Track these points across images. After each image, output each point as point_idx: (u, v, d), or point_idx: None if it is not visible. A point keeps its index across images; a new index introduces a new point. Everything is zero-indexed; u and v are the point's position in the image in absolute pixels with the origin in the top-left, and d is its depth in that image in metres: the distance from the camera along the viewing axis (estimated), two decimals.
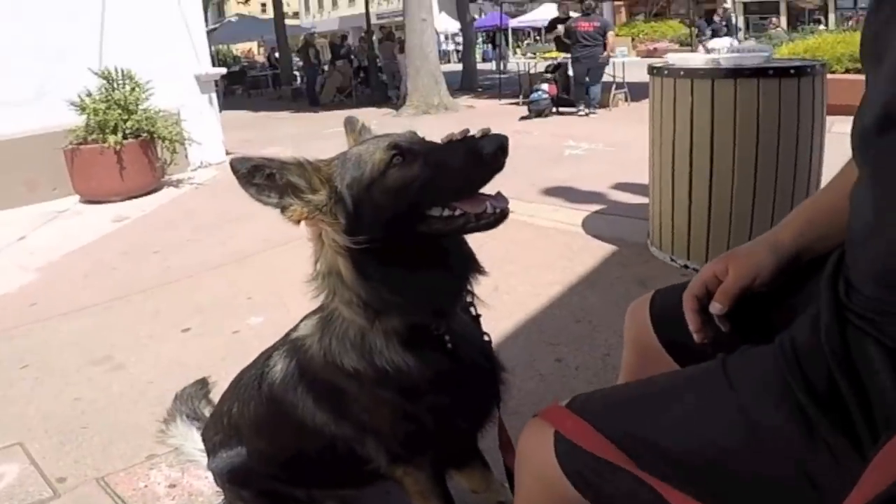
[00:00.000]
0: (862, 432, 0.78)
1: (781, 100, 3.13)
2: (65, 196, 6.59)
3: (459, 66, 19.40)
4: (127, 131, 6.37)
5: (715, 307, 1.10)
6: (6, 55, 6.40)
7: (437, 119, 11.54)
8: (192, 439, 2.02)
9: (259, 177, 1.21)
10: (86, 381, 2.89)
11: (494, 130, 1.24)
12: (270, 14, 23.53)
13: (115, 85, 6.54)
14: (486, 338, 1.45)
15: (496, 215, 1.20)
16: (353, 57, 19.37)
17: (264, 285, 3.93)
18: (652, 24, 30.48)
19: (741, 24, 25.41)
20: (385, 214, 1.19)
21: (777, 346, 0.90)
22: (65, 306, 3.79)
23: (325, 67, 18.61)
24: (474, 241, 1.34)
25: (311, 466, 1.63)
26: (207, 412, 2.12)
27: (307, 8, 51.93)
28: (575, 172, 6.18)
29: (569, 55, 10.77)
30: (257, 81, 22.66)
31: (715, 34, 14.12)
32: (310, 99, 16.91)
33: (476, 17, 22.79)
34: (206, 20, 8.59)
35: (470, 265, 1.34)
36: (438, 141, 1.28)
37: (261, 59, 28.91)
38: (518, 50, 24.09)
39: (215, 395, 2.13)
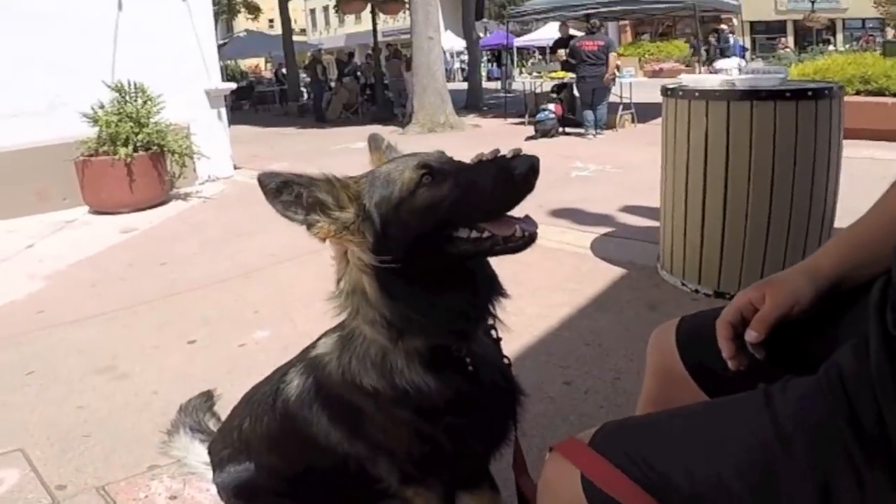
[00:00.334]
0: None
1: (798, 123, 3.10)
2: (74, 206, 6.63)
3: (464, 85, 19.46)
4: (137, 144, 6.44)
5: (751, 335, 1.07)
6: (21, 67, 6.49)
7: (442, 138, 11.56)
8: (195, 451, 2.01)
9: (287, 193, 1.21)
10: (90, 389, 2.89)
11: (503, 151, 1.24)
12: (278, 30, 23.69)
13: (128, 98, 6.62)
14: (506, 361, 1.44)
15: (525, 239, 1.19)
16: (359, 74, 19.50)
17: (271, 299, 3.93)
18: (658, 44, 30.50)
19: (748, 44, 25.46)
20: (413, 234, 1.18)
21: (822, 376, 0.88)
22: (71, 315, 3.79)
23: (332, 84, 18.75)
24: None
25: (320, 484, 1.62)
26: (212, 425, 2.11)
27: (314, 24, 52.38)
28: (583, 194, 6.18)
29: (574, 75, 10.80)
30: (264, 97, 22.78)
31: (722, 54, 14.16)
32: (316, 115, 17.02)
33: (481, 35, 22.93)
34: (216, 35, 8.64)
35: (494, 287, 1.33)
36: (467, 160, 1.28)
37: (268, 74, 29.06)
38: (523, 69, 24.20)
39: (220, 408, 2.14)
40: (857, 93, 7.74)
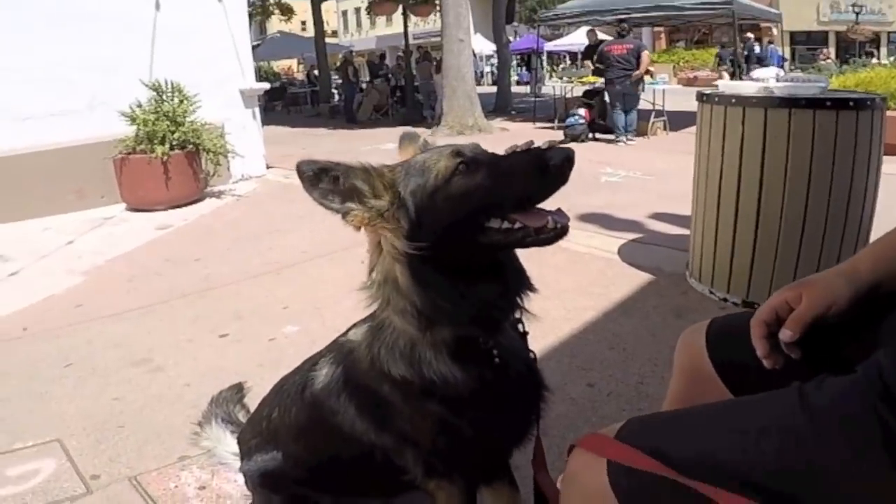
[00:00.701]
0: None
1: (838, 133, 3.01)
2: (112, 203, 6.77)
3: (494, 89, 19.40)
4: (174, 142, 6.56)
5: (785, 334, 1.07)
6: (61, 67, 6.62)
7: (470, 140, 11.39)
8: (224, 442, 2.05)
9: (325, 180, 1.22)
10: (125, 381, 2.97)
11: (537, 143, 1.25)
12: (311, 32, 23.90)
13: (165, 97, 6.73)
14: (531, 355, 1.45)
15: (556, 230, 1.20)
16: (390, 76, 19.58)
17: (301, 295, 4.00)
18: (693, 51, 30.02)
19: (787, 54, 25.03)
20: (446, 222, 1.20)
21: (861, 373, 0.89)
22: (109, 309, 3.89)
23: (363, 86, 18.83)
24: None
25: (346, 474, 1.63)
26: (242, 417, 2.15)
27: (346, 26, 52.60)
28: (611, 199, 6.17)
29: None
30: (296, 98, 22.92)
31: (759, 63, 13.94)
32: (347, 116, 17.14)
33: (511, 39, 22.86)
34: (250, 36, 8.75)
35: (522, 281, 1.34)
36: (501, 152, 1.29)
37: (300, 76, 29.28)
38: (553, 74, 24.07)
39: (250, 400, 2.18)
40: None
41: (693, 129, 3.77)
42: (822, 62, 19.00)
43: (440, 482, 1.50)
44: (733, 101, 3.29)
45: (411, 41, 19.29)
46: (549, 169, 1.15)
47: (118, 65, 6.92)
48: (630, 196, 6.40)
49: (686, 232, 4.01)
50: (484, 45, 28.46)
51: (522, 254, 1.37)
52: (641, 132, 10.72)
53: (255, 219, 6.27)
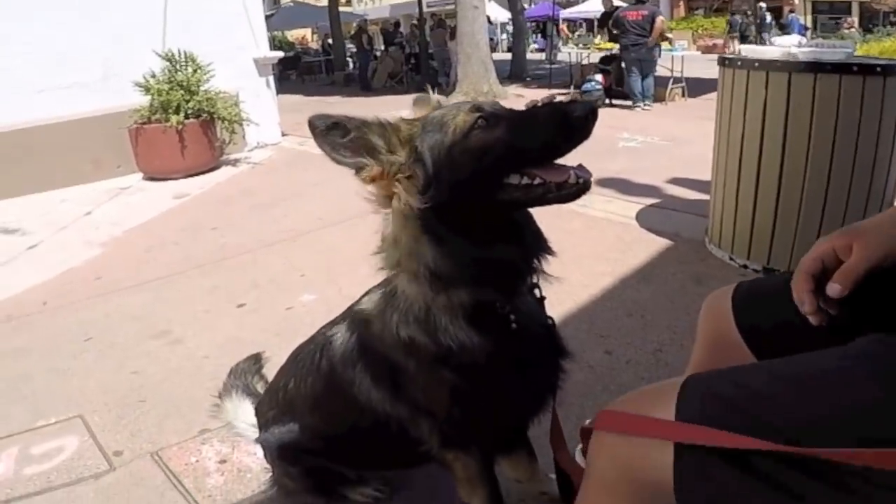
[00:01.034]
0: None
1: (864, 99, 2.94)
2: (128, 173, 6.82)
3: (509, 56, 19.19)
4: (188, 111, 6.57)
5: (834, 289, 0.97)
6: (76, 38, 6.63)
7: None
8: (243, 414, 2.05)
9: (337, 134, 1.19)
10: (145, 354, 2.97)
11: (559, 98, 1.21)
12: (324, 1, 23.67)
13: (178, 67, 6.73)
14: (549, 321, 1.42)
15: (579, 186, 1.16)
16: (404, 43, 19.43)
17: (317, 263, 4.00)
18: (712, 19, 29.47)
19: (808, 23, 24.47)
20: (464, 178, 1.16)
21: None
22: (127, 280, 3.91)
23: (378, 54, 18.73)
24: None
25: (362, 445, 1.63)
26: (260, 388, 2.15)
27: None
28: (629, 165, 6.08)
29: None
30: (310, 67, 22.85)
31: (782, 30, 13.64)
32: (361, 84, 17.14)
33: (526, 6, 22.51)
34: (263, 6, 8.69)
35: (540, 244, 1.31)
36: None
37: (314, 45, 29.11)
38: (569, 41, 23.73)
39: (268, 371, 2.18)
40: None
41: (711, 95, 3.70)
42: (846, 31, 18.58)
43: (456, 453, 1.49)
44: (756, 65, 3.23)
45: (425, 9, 19.08)
46: (572, 121, 1.11)
47: (131, 36, 6.91)
48: (648, 161, 6.32)
49: (705, 197, 3.94)
50: (499, 13, 28.08)
51: (538, 218, 1.34)
52: (659, 98, 10.58)
53: (270, 186, 6.27)
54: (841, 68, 3.00)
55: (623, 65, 10.55)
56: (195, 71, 6.78)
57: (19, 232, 5.11)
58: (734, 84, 3.35)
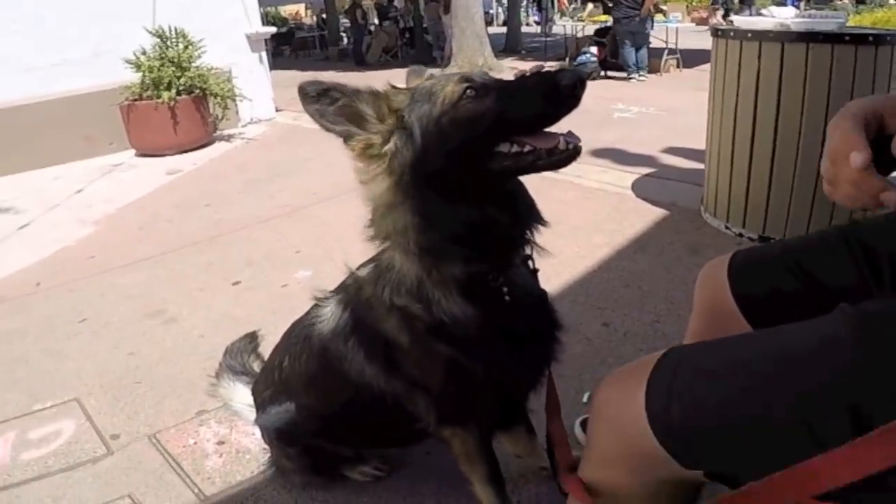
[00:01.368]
0: None
1: (857, 68, 2.97)
2: (121, 150, 6.79)
3: (504, 29, 19.05)
4: (180, 88, 6.52)
5: None
6: (66, 16, 6.57)
7: None
8: (240, 394, 2.05)
9: (326, 101, 1.17)
10: (140, 335, 2.95)
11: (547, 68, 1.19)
12: None
13: (169, 43, 6.68)
14: (543, 293, 1.40)
15: (569, 151, 1.15)
16: (399, 18, 19.26)
17: (312, 238, 3.98)
18: None
19: None
20: (453, 147, 1.15)
21: None
22: (121, 259, 3.88)
23: (372, 28, 18.55)
24: None
25: (359, 423, 1.62)
26: (256, 366, 2.14)
27: None
28: (625, 135, 6.06)
29: None
30: (304, 42, 22.61)
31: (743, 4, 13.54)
32: (356, 59, 16.97)
33: None
34: None
35: (532, 215, 1.29)
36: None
37: (308, 20, 28.81)
38: (565, 13, 23.51)
39: (264, 349, 2.17)
40: None
41: (706, 66, 3.69)
42: (839, 2, 18.43)
43: (454, 429, 1.48)
44: (749, 35, 3.24)
45: None
46: (560, 90, 1.10)
47: (121, 13, 6.85)
48: (643, 131, 6.29)
49: (700, 166, 3.93)
50: None
51: (533, 190, 1.32)
52: (654, 69, 10.58)
53: (264, 161, 6.23)
54: (833, 38, 3.02)
55: (616, 37, 10.51)
56: (186, 47, 6.72)
57: (11, 211, 5.08)
58: (727, 55, 3.36)
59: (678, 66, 11.03)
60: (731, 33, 3.34)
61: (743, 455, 0.83)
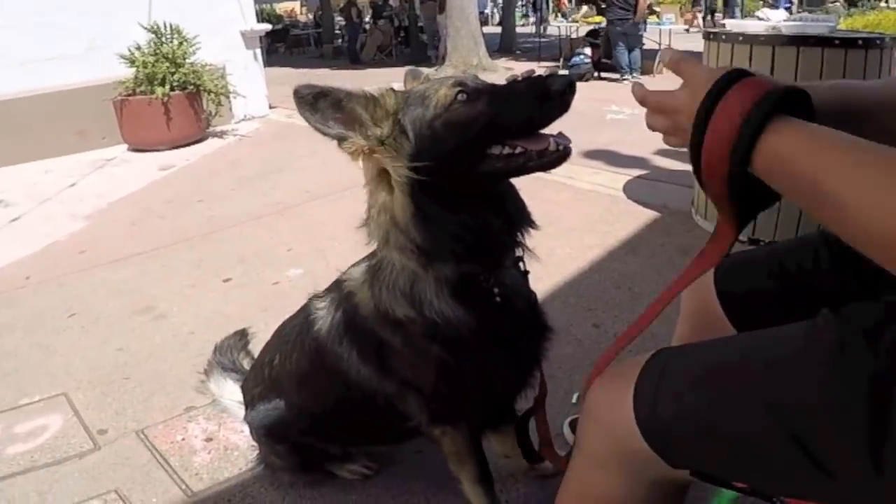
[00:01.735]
0: None
1: (846, 72, 2.98)
2: (113, 145, 6.77)
3: (499, 29, 19.09)
4: (174, 83, 6.52)
5: None
6: (60, 11, 6.54)
7: None
8: (229, 391, 2.04)
9: (322, 104, 1.18)
10: (129, 330, 2.94)
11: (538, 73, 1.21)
12: None
13: (164, 39, 6.68)
14: (532, 296, 1.42)
15: (559, 153, 1.17)
16: (394, 16, 19.27)
17: (304, 237, 3.97)
18: None
19: None
20: (446, 150, 1.17)
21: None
22: (112, 254, 3.87)
23: (367, 27, 18.55)
24: None
25: (350, 422, 1.62)
26: (246, 364, 2.14)
27: None
28: (617, 137, 6.08)
29: None
30: (299, 40, 22.60)
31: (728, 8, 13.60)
32: (351, 57, 16.98)
33: None
34: None
35: (523, 217, 1.31)
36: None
37: (303, 18, 28.77)
38: (559, 14, 23.52)
39: (254, 346, 2.16)
40: None
41: None
42: (830, 5, 18.51)
43: (444, 428, 1.49)
44: (740, 38, 3.26)
45: None
46: (551, 95, 1.12)
47: (116, 8, 6.84)
48: (636, 133, 6.26)
49: (691, 168, 3.93)
50: None
51: (525, 191, 1.34)
52: (647, 71, 10.59)
53: (257, 158, 6.22)
54: (823, 41, 3.04)
55: (609, 39, 10.56)
56: (181, 43, 6.72)
57: (2, 204, 5.05)
58: (719, 57, 3.37)
59: None
60: (723, 36, 3.36)
61: (726, 455, 0.86)
